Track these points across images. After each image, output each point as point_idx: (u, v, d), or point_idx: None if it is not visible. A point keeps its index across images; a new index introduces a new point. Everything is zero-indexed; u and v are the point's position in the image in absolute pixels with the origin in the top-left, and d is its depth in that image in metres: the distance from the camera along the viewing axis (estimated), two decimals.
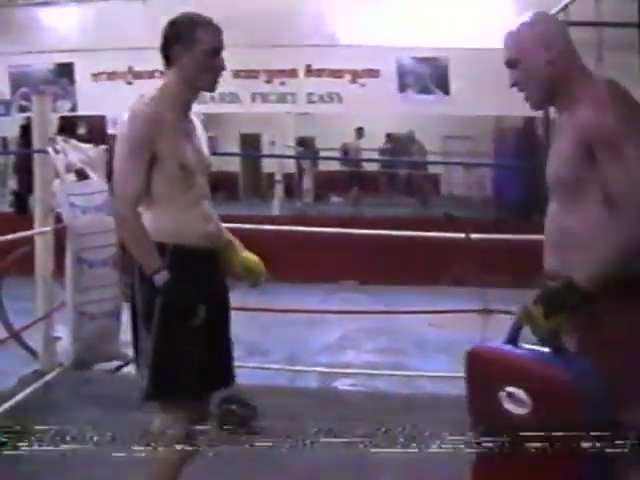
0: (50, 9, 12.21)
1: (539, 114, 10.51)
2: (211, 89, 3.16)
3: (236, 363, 4.25)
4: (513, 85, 2.76)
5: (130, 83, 11.61)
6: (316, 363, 6.40)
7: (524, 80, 2.72)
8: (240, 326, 7.15)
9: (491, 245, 6.07)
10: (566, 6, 9.26)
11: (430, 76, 11.27)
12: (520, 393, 2.47)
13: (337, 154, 18.59)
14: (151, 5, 11.98)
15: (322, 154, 19.84)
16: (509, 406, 2.49)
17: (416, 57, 11.13)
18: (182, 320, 2.97)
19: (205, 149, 3.24)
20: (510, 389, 2.49)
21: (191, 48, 3.03)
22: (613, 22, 9.22)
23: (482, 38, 10.86)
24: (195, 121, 3.24)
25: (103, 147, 5.54)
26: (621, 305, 2.52)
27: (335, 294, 8.77)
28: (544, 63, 2.65)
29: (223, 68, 3.12)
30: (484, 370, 2.64)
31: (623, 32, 8.90)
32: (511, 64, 2.73)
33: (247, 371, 6.02)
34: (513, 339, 2.63)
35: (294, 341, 7.12)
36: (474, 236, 5.32)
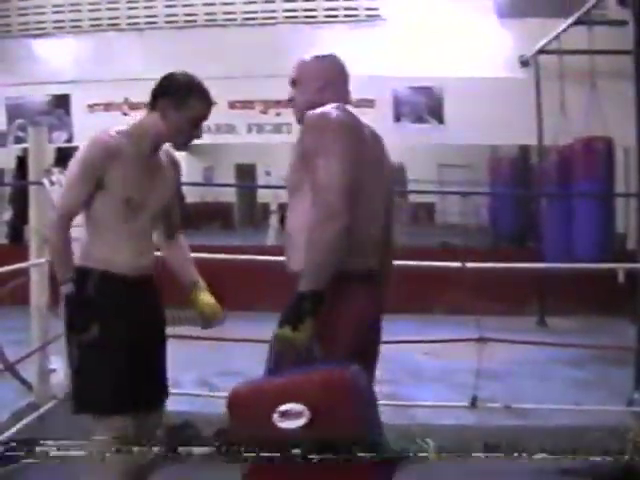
0: (46, 40, 12.26)
1: (534, 142, 10.58)
2: (180, 149, 3.33)
3: None
4: (289, 100, 3.23)
5: (126, 114, 11.64)
6: None
7: (297, 97, 3.19)
8: (236, 357, 7.17)
9: (487, 273, 6.07)
10: (559, 35, 9.33)
11: (425, 105, 11.32)
12: (295, 407, 2.59)
13: None
14: (148, 37, 12.05)
15: None
16: (285, 424, 2.60)
17: (411, 86, 11.19)
18: (76, 334, 3.16)
19: (165, 190, 3.36)
20: (283, 408, 2.60)
21: (179, 109, 3.18)
22: (606, 50, 9.27)
23: (476, 67, 10.93)
24: (163, 162, 3.36)
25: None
26: (333, 298, 2.79)
27: None
28: (314, 88, 3.13)
29: (198, 137, 3.29)
30: (253, 402, 2.74)
31: (616, 60, 8.96)
32: (292, 83, 3.22)
33: None
34: (275, 369, 2.82)
35: None
36: (470, 265, 5.31)
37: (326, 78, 3.15)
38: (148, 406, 3.42)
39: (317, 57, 3.22)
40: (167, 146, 3.39)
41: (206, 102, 3.24)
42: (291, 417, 2.60)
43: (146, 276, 3.35)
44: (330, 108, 2.95)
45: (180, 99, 3.18)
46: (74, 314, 3.18)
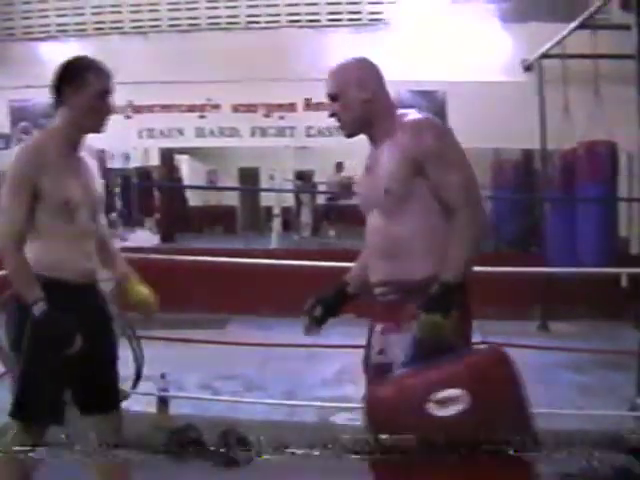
0: (50, 44, 12.27)
1: (538, 147, 10.56)
2: (98, 130, 3.32)
3: (234, 398, 4.15)
4: (332, 115, 3.16)
5: (129, 117, 11.66)
6: (314, 397, 6.36)
7: (341, 112, 3.12)
8: (238, 361, 7.18)
9: (489, 277, 6.06)
10: (562, 39, 9.32)
11: (428, 109, 11.33)
12: (452, 392, 2.61)
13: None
14: (151, 40, 12.06)
15: (320, 188, 19.84)
16: (443, 412, 2.60)
17: (414, 90, 11.19)
18: (54, 350, 3.13)
19: (94, 186, 3.40)
20: (439, 396, 2.61)
21: (80, 90, 3.21)
22: (609, 54, 9.27)
23: (479, 71, 10.94)
24: (85, 158, 3.39)
25: (102, 181, 5.56)
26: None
27: (333, 327, 8.71)
28: (360, 101, 3.07)
29: (110, 111, 3.30)
30: (401, 399, 2.72)
31: (620, 64, 8.96)
32: (331, 98, 3.15)
33: (245, 406, 6.00)
34: (415, 357, 2.83)
35: (292, 375, 7.08)
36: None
37: (370, 88, 3.11)
38: (99, 409, 3.45)
39: (352, 65, 3.19)
40: (87, 143, 3.42)
41: (102, 74, 3.29)
42: (449, 403, 2.60)
43: (92, 282, 3.40)
44: (425, 114, 3.07)
45: (77, 80, 3.23)
46: (48, 330, 3.13)
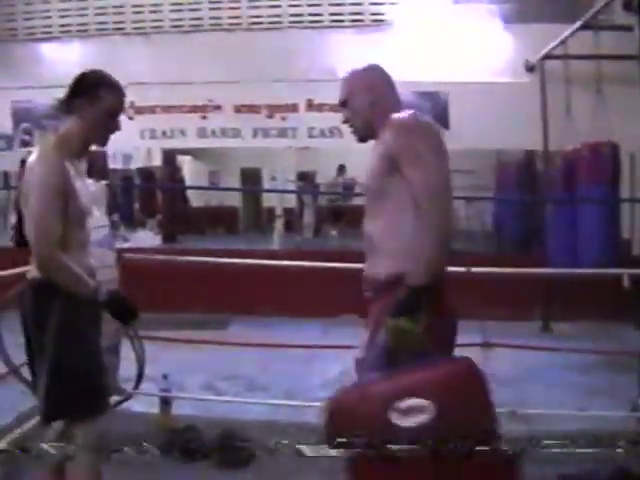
0: (52, 45, 12.29)
1: (540, 148, 10.56)
2: (102, 145, 3.44)
3: (236, 398, 4.16)
4: (344, 122, 3.27)
5: (131, 118, 11.66)
6: (316, 398, 6.34)
7: (352, 118, 3.23)
8: (240, 361, 7.17)
9: (491, 279, 6.07)
10: (564, 40, 9.32)
11: (430, 110, 11.31)
12: (417, 402, 2.57)
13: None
14: (153, 41, 12.07)
15: (323, 189, 19.86)
16: (405, 421, 2.57)
17: (416, 91, 11.19)
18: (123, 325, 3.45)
19: (89, 189, 3.51)
20: (403, 404, 2.57)
21: (93, 104, 3.27)
22: (612, 55, 9.26)
23: (482, 72, 10.94)
24: (83, 163, 3.48)
25: (104, 182, 5.58)
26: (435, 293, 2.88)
27: (335, 328, 8.74)
28: (367, 105, 3.17)
29: (117, 129, 3.38)
30: (363, 407, 2.70)
31: (622, 65, 8.95)
32: (342, 104, 3.25)
33: (247, 406, 6.00)
34: (381, 362, 2.83)
35: (294, 376, 7.08)
36: (475, 270, 5.31)
37: (375, 91, 3.19)
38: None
39: (360, 71, 3.27)
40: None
41: (118, 92, 3.36)
42: (413, 413, 2.57)
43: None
44: (411, 113, 3.07)
45: (93, 94, 3.28)
46: (121, 306, 3.33)
